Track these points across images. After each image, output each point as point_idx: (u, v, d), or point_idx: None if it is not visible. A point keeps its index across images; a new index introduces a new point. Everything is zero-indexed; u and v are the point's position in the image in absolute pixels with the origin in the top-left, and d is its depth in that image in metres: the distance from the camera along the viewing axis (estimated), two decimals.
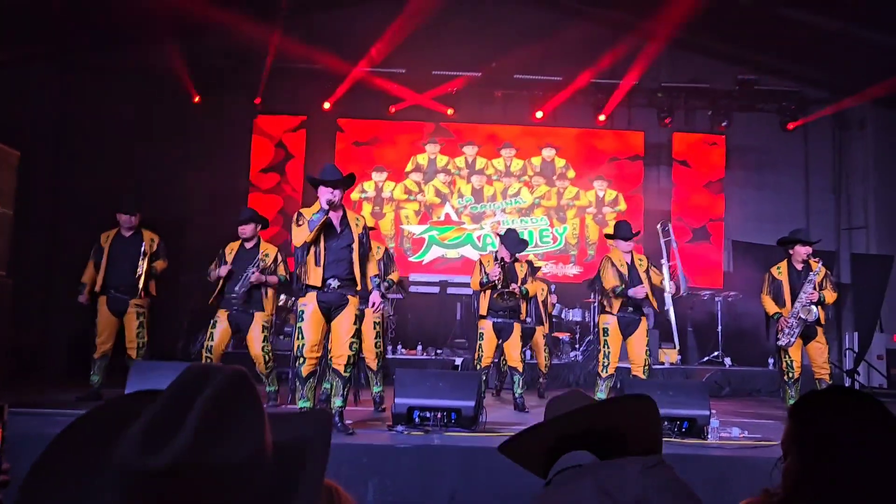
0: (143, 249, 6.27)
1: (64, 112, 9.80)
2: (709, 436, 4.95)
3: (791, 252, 6.43)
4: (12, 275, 7.63)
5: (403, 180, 11.56)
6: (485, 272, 6.55)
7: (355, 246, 4.93)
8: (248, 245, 6.23)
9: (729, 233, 11.73)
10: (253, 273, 6.03)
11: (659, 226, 7.36)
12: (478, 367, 6.53)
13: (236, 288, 6.03)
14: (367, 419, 5.61)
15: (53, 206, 9.48)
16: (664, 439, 1.54)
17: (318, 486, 0.96)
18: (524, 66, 10.89)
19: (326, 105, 11.20)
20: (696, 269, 11.27)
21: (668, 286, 6.47)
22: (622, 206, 11.61)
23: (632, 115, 11.92)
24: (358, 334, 4.96)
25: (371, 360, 6.15)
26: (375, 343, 6.12)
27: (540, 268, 9.10)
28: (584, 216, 11.66)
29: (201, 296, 8.01)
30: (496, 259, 6.58)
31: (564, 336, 9.99)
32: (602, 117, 11.57)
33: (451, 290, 10.99)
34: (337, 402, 4.83)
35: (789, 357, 6.25)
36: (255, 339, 6.10)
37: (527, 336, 7.33)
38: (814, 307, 6.16)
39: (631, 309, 6.34)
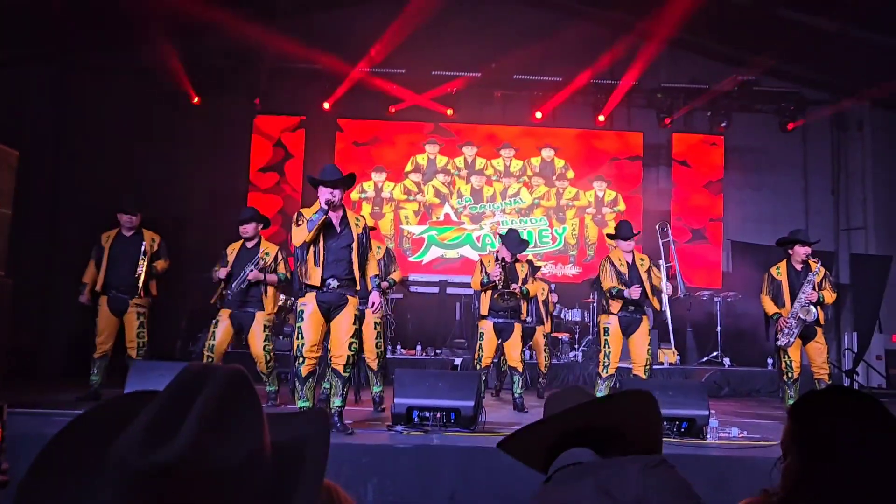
0: (143, 249, 6.27)
1: (64, 112, 9.80)
2: (708, 436, 4.95)
3: (790, 252, 6.44)
4: (12, 275, 7.61)
5: (403, 180, 11.56)
6: (485, 272, 6.55)
7: (355, 246, 4.92)
8: (250, 245, 6.24)
9: (728, 233, 11.74)
10: (251, 271, 6.04)
11: (658, 227, 7.37)
12: (478, 367, 6.52)
13: (233, 285, 6.04)
14: (366, 419, 5.61)
15: (53, 206, 9.47)
16: (663, 440, 1.53)
17: (317, 486, 0.96)
18: (524, 66, 10.90)
19: (326, 105, 11.20)
20: (695, 269, 11.28)
21: (666, 287, 6.46)
22: (621, 206, 11.62)
23: (631, 115, 11.93)
24: (357, 334, 4.95)
25: (371, 361, 6.15)
26: (376, 343, 6.12)
27: (540, 267, 9.10)
28: (583, 216, 11.66)
29: (200, 296, 8.02)
30: (497, 259, 6.57)
31: (564, 336, 9.99)
32: (601, 118, 11.58)
33: (450, 291, 10.99)
34: (336, 402, 4.82)
35: (788, 357, 6.25)
36: (257, 339, 6.11)
37: (527, 336, 7.32)
38: (813, 307, 6.16)
39: (632, 308, 6.33)
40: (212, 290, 6.27)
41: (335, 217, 4.92)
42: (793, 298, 6.26)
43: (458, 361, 9.04)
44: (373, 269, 5.08)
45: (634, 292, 6.18)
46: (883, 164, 11.45)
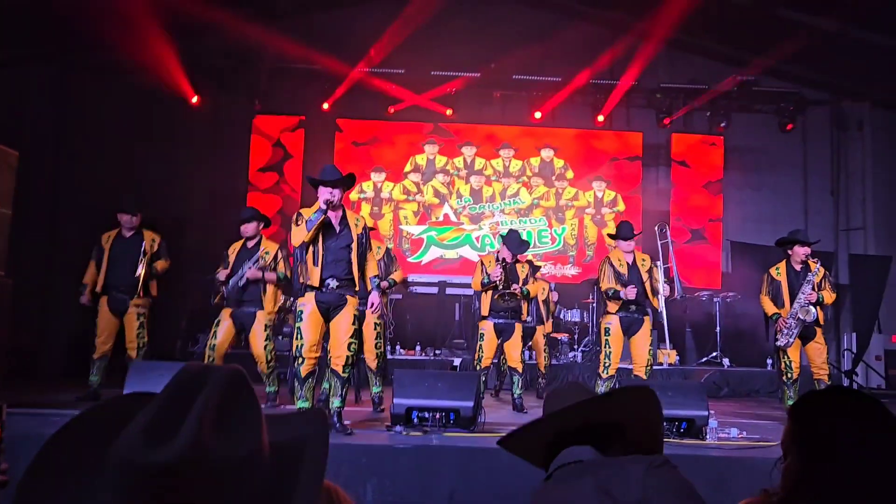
0: (143, 249, 6.27)
1: (64, 112, 9.79)
2: (707, 436, 4.95)
3: (790, 253, 6.44)
4: (11, 275, 7.60)
5: (402, 181, 11.56)
6: (486, 273, 6.54)
7: (354, 246, 4.91)
8: (250, 244, 6.24)
9: (727, 233, 11.74)
10: (249, 268, 6.04)
11: (656, 228, 7.37)
12: (477, 367, 6.52)
13: (229, 282, 6.04)
14: (365, 419, 5.61)
15: (53, 206, 9.46)
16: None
17: (318, 486, 0.96)
18: (523, 66, 10.90)
19: (325, 105, 11.20)
20: (694, 269, 11.28)
21: (663, 288, 6.46)
22: (621, 206, 11.62)
23: (630, 115, 11.94)
24: (357, 335, 4.94)
25: (371, 361, 6.14)
26: (376, 344, 6.11)
27: (540, 267, 9.10)
28: (582, 217, 11.66)
29: (200, 296, 8.03)
30: (498, 260, 6.56)
31: (563, 337, 9.99)
32: (601, 118, 11.58)
33: (449, 291, 10.99)
34: (335, 402, 4.82)
35: (788, 357, 6.25)
36: (258, 338, 6.11)
37: (527, 335, 7.32)
38: (812, 308, 6.16)
39: (633, 309, 6.33)
40: (213, 290, 6.27)
41: (334, 217, 4.92)
42: (792, 299, 6.26)
43: (457, 362, 9.04)
44: (372, 270, 5.07)
45: (630, 293, 6.18)
46: (882, 164, 11.46)
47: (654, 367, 8.29)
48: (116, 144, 9.69)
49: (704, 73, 11.40)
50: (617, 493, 1.17)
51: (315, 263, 4.80)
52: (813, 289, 6.19)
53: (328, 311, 4.84)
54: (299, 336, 4.77)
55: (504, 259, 6.55)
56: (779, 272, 6.44)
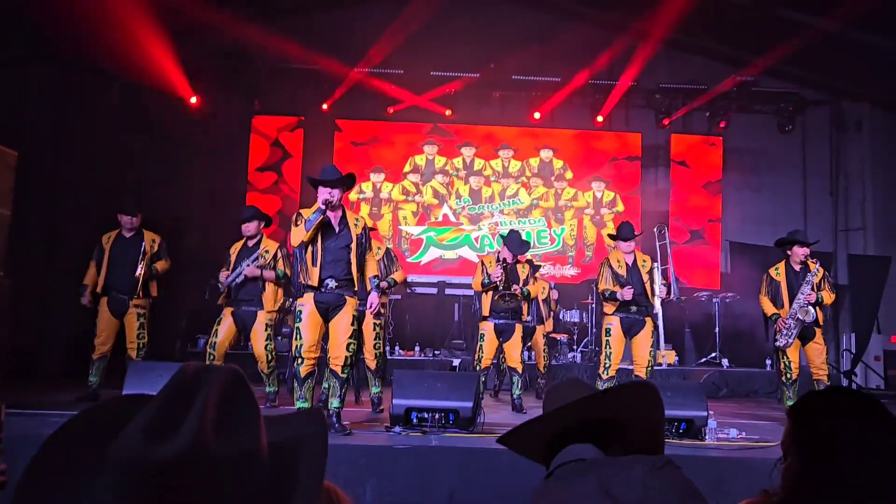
0: (143, 250, 6.27)
1: (64, 112, 9.78)
2: (706, 437, 4.95)
3: (789, 253, 6.44)
4: (11, 275, 7.61)
5: (401, 181, 11.56)
6: (486, 273, 6.54)
7: (353, 246, 4.91)
8: (251, 243, 6.25)
9: (727, 234, 11.74)
10: (247, 266, 6.03)
11: (655, 229, 7.37)
12: (477, 368, 6.52)
13: (228, 279, 6.04)
14: (365, 420, 5.61)
15: (52, 206, 9.46)
16: None
17: (317, 486, 0.96)
18: (522, 67, 10.90)
19: (325, 106, 11.20)
20: (693, 270, 11.29)
21: (659, 290, 6.46)
22: (620, 207, 11.62)
23: (629, 116, 11.93)
24: (356, 335, 4.94)
25: (370, 361, 6.14)
26: (375, 344, 6.11)
27: (540, 267, 9.10)
28: (581, 217, 11.66)
29: (200, 296, 8.02)
30: (498, 260, 6.56)
31: (562, 337, 10.00)
32: (600, 118, 11.58)
33: (449, 291, 10.98)
34: (334, 402, 4.82)
35: (787, 358, 6.25)
36: (259, 338, 6.11)
37: (526, 335, 7.32)
38: (811, 308, 6.16)
39: (634, 309, 6.33)
40: (217, 292, 6.27)
41: (334, 217, 4.92)
42: (791, 299, 6.27)
43: (456, 362, 9.03)
44: (372, 270, 5.06)
45: (626, 293, 6.19)
46: (882, 164, 11.46)
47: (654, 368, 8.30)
48: (116, 144, 9.69)
49: (704, 74, 11.40)
50: (617, 493, 1.16)
51: (314, 263, 4.80)
52: (812, 289, 6.19)
53: (327, 311, 4.83)
54: (298, 336, 4.77)
55: (504, 259, 6.55)
56: (778, 273, 6.45)
